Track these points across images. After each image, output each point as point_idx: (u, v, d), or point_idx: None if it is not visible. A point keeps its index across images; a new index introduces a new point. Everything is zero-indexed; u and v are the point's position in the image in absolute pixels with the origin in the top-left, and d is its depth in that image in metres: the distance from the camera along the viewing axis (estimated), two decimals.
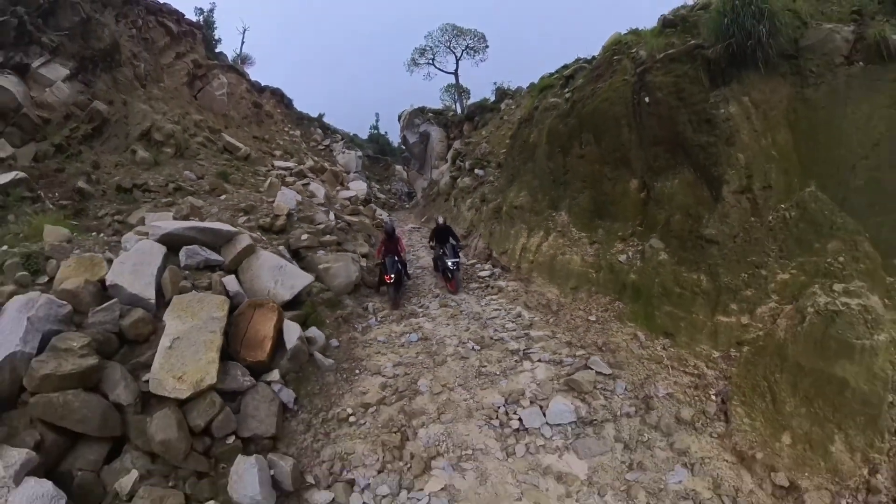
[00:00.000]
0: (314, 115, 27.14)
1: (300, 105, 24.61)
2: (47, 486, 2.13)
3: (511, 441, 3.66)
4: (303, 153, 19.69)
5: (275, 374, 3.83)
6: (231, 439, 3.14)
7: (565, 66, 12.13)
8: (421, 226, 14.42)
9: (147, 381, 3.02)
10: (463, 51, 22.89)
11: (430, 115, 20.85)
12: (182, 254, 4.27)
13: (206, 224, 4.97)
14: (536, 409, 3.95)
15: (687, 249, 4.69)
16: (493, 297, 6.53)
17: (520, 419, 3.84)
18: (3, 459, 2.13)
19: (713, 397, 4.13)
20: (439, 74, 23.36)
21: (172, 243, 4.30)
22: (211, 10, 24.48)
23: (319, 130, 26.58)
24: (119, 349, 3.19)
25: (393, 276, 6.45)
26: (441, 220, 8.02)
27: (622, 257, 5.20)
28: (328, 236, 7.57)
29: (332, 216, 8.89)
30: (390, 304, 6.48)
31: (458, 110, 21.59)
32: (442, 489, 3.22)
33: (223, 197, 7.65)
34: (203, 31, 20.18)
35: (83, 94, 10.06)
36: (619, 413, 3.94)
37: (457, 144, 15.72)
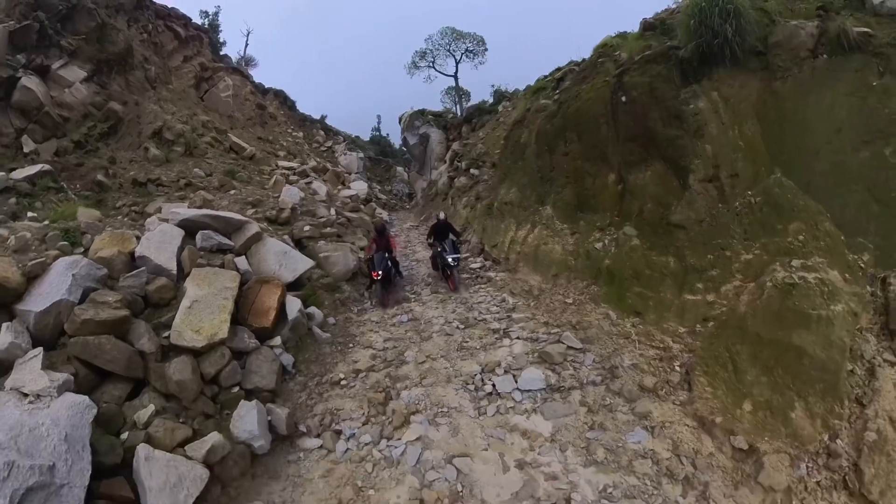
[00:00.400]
0: (316, 116, 28.03)
1: (302, 107, 25.48)
2: (83, 397, 2.70)
3: (483, 403, 4.17)
4: (305, 154, 20.46)
5: (277, 340, 4.40)
6: (236, 389, 3.70)
7: (558, 69, 12.82)
8: (420, 224, 15.01)
9: (167, 337, 3.61)
10: (462, 54, 23.68)
11: (430, 117, 21.57)
12: (198, 237, 4.89)
13: (219, 213, 5.62)
14: (510, 377, 4.46)
15: (657, 235, 5.20)
16: (482, 285, 7.07)
17: (493, 385, 4.35)
18: (49, 376, 2.72)
19: (677, 368, 4.58)
20: (439, 77, 24.16)
21: (189, 228, 4.93)
22: (216, 14, 25.63)
23: (322, 132, 27.42)
24: (144, 310, 3.79)
25: (381, 272, 6.38)
26: (442, 216, 8.00)
27: (598, 245, 5.72)
28: (329, 229, 8.20)
29: (332, 211, 9.53)
30: (378, 301, 6.48)
31: (458, 112, 22.31)
32: (417, 439, 3.74)
33: (232, 192, 8.33)
34: (209, 35, 21.24)
35: (99, 95, 10.89)
36: (585, 381, 4.42)
37: (455, 146, 16.37)
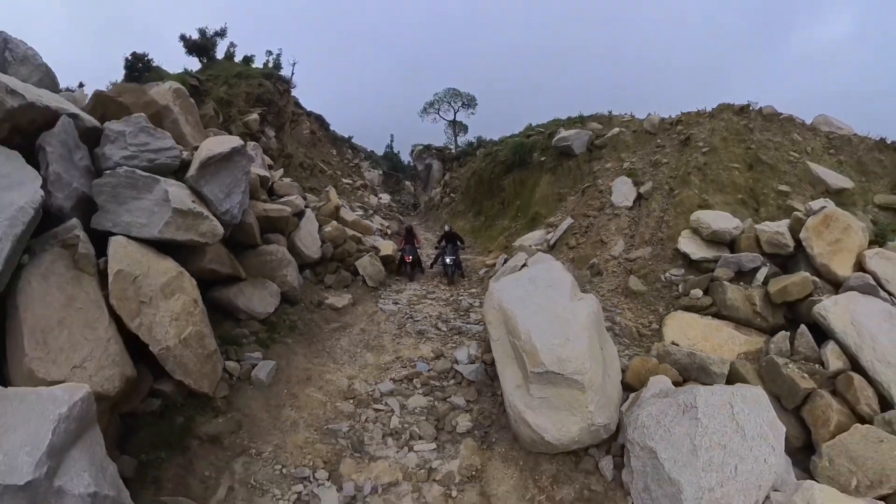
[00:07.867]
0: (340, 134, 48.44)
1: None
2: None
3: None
4: (347, 172, 40.95)
5: None
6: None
7: (502, 139, 33.48)
8: (420, 223, 35.23)
9: None
10: (459, 106, 45.12)
11: (434, 151, 42.65)
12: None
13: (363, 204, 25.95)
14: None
15: (487, 219, 25.95)
16: None
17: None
18: None
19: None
20: (442, 121, 45.58)
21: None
22: (278, 55, 46.73)
23: (350, 150, 48.09)
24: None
25: (411, 257, 15.72)
26: (448, 228, 18.32)
27: (476, 223, 26.16)
28: (389, 215, 28.44)
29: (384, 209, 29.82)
30: (408, 278, 15.77)
31: (455, 142, 43.37)
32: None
33: (352, 198, 28.65)
34: (290, 86, 42.27)
35: (278, 144, 31.42)
36: (461, 248, 24.45)
37: (447, 177, 37.23)
